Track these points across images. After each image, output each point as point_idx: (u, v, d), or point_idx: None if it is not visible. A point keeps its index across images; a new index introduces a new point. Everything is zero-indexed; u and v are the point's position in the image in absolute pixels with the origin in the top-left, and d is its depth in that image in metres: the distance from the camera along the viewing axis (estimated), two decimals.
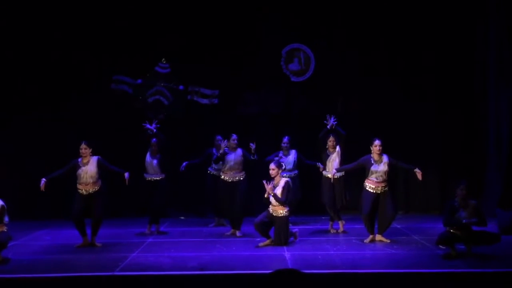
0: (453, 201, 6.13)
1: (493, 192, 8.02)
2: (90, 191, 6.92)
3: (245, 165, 7.53)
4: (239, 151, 7.49)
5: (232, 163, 7.44)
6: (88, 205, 6.92)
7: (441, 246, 6.17)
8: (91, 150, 6.99)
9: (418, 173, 6.90)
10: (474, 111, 8.89)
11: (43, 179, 6.88)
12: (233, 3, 9.08)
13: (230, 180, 7.45)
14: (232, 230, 7.52)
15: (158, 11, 9.07)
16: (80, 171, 6.92)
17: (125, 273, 5.67)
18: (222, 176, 7.51)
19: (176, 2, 9.11)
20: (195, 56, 9.13)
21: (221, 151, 7.48)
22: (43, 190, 6.89)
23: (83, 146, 6.97)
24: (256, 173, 7.88)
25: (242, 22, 9.12)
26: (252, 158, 7.39)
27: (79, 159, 6.99)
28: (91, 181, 6.92)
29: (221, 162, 7.57)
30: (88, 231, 6.98)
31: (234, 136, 7.48)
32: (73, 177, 6.98)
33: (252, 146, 7.32)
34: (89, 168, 6.93)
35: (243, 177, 7.49)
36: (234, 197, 7.41)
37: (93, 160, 6.98)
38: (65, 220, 8.18)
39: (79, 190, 6.93)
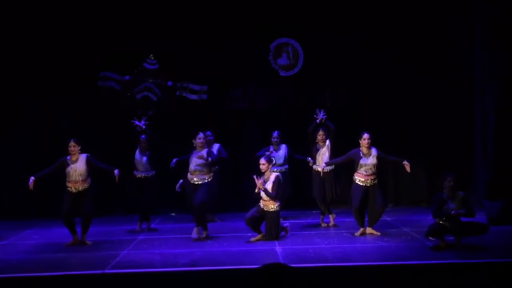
0: (441, 193, 6.19)
1: (481, 183, 8.10)
2: (80, 189, 6.87)
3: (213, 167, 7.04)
4: (206, 151, 6.95)
5: (198, 165, 6.88)
6: (77, 203, 6.87)
7: (430, 238, 6.23)
8: (80, 147, 6.93)
9: (407, 166, 6.95)
10: (461, 104, 8.96)
11: (32, 177, 6.82)
12: None
13: (196, 183, 6.89)
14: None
15: (145, 6, 9.00)
16: (69, 169, 6.86)
17: (116, 270, 5.65)
18: (189, 177, 6.95)
19: None
20: (184, 52, 9.08)
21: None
22: (32, 188, 6.83)
23: (72, 143, 6.91)
24: (247, 169, 7.88)
25: (230, 17, 9.08)
26: (209, 159, 6.81)
27: (68, 157, 6.93)
28: (80, 179, 6.86)
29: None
30: (78, 229, 6.94)
31: (200, 135, 6.97)
32: (58, 176, 6.91)
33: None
34: (78, 166, 6.88)
35: (210, 179, 6.94)
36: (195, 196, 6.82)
37: (82, 158, 6.93)
38: (51, 218, 8.13)
39: (68, 188, 6.88)
